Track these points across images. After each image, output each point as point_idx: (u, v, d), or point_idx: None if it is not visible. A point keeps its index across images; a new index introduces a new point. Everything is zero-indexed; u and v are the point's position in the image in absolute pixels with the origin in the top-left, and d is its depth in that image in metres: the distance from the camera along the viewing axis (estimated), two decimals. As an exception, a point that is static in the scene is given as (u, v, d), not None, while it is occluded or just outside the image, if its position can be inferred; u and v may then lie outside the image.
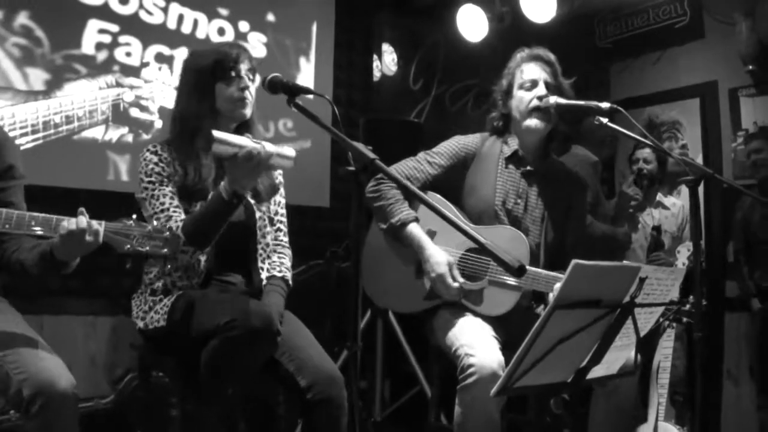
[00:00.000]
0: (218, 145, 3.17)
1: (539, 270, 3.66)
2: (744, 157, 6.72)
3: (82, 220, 2.82)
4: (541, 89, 3.85)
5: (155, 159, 3.47)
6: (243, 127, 3.62)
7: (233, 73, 3.53)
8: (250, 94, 3.58)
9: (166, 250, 2.96)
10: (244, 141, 3.23)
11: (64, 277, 3.21)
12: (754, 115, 6.88)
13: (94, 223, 2.84)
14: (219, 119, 3.53)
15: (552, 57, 3.96)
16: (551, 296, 3.57)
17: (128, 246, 2.90)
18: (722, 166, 7.04)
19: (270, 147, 3.25)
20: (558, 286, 3.38)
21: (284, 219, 3.87)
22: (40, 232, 2.85)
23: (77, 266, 3.04)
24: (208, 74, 3.54)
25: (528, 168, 3.96)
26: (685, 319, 3.99)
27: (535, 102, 3.83)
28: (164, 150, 3.51)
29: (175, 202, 3.42)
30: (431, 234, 3.81)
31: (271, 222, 3.76)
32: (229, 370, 3.18)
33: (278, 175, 3.84)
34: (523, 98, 3.88)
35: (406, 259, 3.89)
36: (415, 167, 3.93)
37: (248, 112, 3.61)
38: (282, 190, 3.85)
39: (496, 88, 4.03)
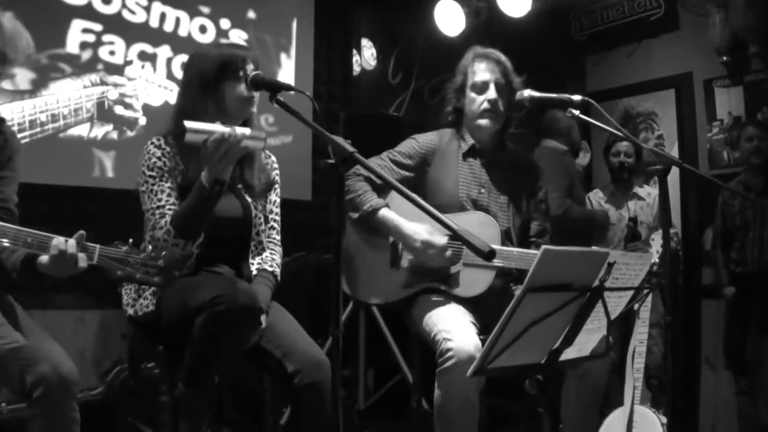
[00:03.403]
0: (190, 135, 3.24)
1: (511, 248, 3.80)
2: (722, 144, 6.85)
3: (72, 245, 2.85)
4: (491, 92, 3.96)
5: (158, 153, 3.52)
6: (245, 124, 3.66)
7: (241, 74, 3.55)
8: (257, 93, 3.61)
9: (158, 279, 2.97)
10: (215, 126, 3.30)
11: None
12: (728, 105, 6.98)
13: (83, 256, 2.88)
14: (225, 117, 3.55)
15: (502, 57, 4.07)
16: None
17: (120, 272, 2.92)
18: (698, 155, 7.14)
19: (240, 129, 3.33)
20: None
21: (278, 218, 3.91)
22: (34, 251, 2.90)
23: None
24: (215, 74, 3.57)
25: (486, 159, 4.08)
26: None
27: (486, 105, 3.95)
28: (167, 143, 3.56)
29: (172, 199, 3.45)
30: None
31: (266, 220, 3.82)
32: (216, 345, 3.22)
33: (275, 175, 3.90)
34: (475, 100, 4.00)
35: (380, 251, 3.99)
36: (380, 165, 4.02)
37: (255, 110, 3.67)
38: (278, 190, 3.91)
39: (449, 85, 4.14)
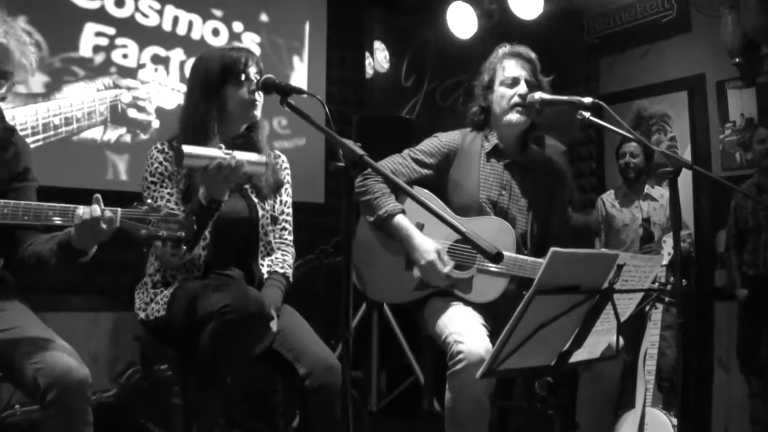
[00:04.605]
0: (189, 160, 3.20)
1: (525, 257, 3.75)
2: (735, 146, 6.83)
3: (96, 209, 2.86)
4: (522, 87, 3.92)
5: (161, 158, 3.52)
6: (251, 127, 3.70)
7: (243, 77, 3.56)
8: (260, 96, 3.61)
9: (181, 232, 2.98)
10: (214, 152, 3.25)
11: (65, 273, 3.28)
12: (741, 107, 6.95)
13: (108, 211, 2.88)
14: (229, 121, 3.58)
15: (532, 55, 4.03)
16: None
17: (144, 231, 2.92)
18: (710, 157, 7.12)
19: (240, 155, 3.28)
20: None
21: (290, 219, 3.89)
22: (59, 222, 2.90)
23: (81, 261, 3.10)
24: (217, 77, 3.56)
25: (509, 160, 4.05)
26: (667, 299, 4.08)
27: (517, 99, 3.91)
28: (171, 148, 3.55)
29: (171, 204, 3.41)
30: (419, 227, 3.87)
31: (275, 221, 3.79)
32: (225, 353, 3.21)
33: (286, 175, 3.89)
34: (504, 94, 3.95)
35: (395, 251, 3.97)
36: (400, 163, 4.01)
37: (258, 114, 3.66)
38: (289, 190, 3.89)
39: (476, 83, 4.13)
